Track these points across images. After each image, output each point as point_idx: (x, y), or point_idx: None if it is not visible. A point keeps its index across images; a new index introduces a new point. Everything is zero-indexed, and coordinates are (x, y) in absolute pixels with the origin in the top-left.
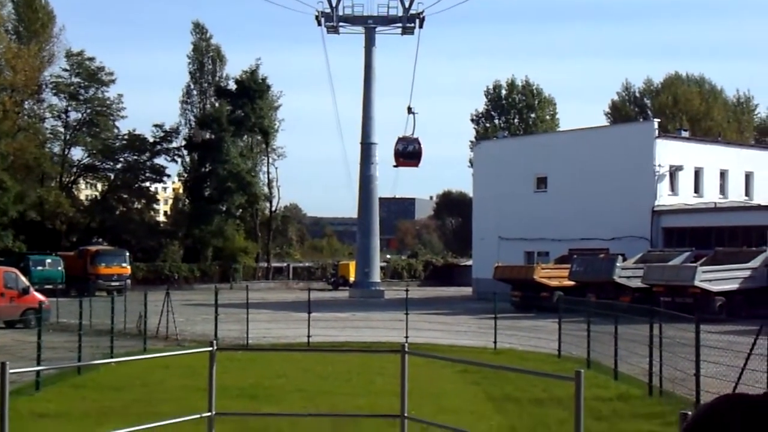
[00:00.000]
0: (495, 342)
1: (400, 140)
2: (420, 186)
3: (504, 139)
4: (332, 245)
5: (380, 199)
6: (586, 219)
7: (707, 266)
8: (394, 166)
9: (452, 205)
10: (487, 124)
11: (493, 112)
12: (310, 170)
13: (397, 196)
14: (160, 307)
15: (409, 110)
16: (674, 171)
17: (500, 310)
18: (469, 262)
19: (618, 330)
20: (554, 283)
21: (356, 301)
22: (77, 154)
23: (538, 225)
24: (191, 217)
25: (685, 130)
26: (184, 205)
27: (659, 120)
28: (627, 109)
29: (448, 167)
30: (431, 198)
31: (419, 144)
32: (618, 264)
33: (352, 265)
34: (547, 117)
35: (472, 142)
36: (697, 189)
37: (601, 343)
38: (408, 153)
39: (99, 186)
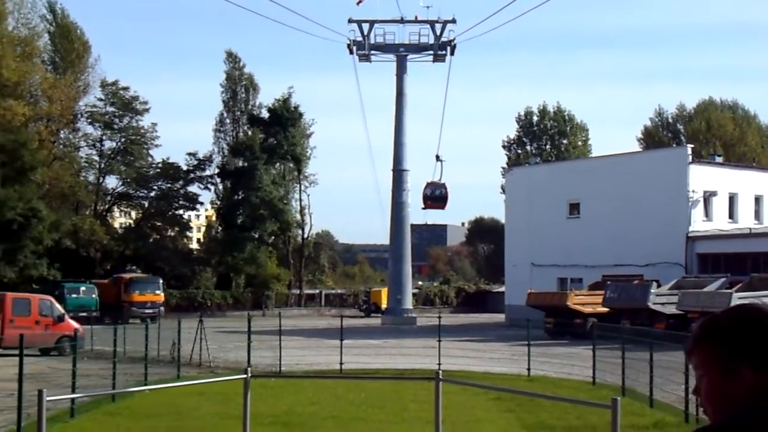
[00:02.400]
0: (528, 369)
1: (429, 185)
2: (452, 212)
3: (536, 165)
4: (364, 272)
5: (412, 225)
6: (620, 245)
7: (743, 292)
8: (423, 209)
9: (484, 232)
10: (519, 151)
11: (524, 139)
12: (341, 197)
13: (428, 223)
14: (194, 334)
15: (437, 158)
16: (708, 197)
17: (533, 337)
18: (502, 289)
19: (653, 357)
20: (588, 309)
21: (388, 327)
22: (112, 182)
23: (571, 251)
24: (224, 244)
25: (719, 156)
26: (216, 233)
27: (692, 146)
28: (660, 135)
29: (480, 193)
30: (463, 224)
31: (446, 189)
32: (652, 290)
33: (384, 292)
34: (579, 143)
35: (504, 168)
36: (731, 215)
37: (636, 370)
38: (435, 197)
39: (133, 214)
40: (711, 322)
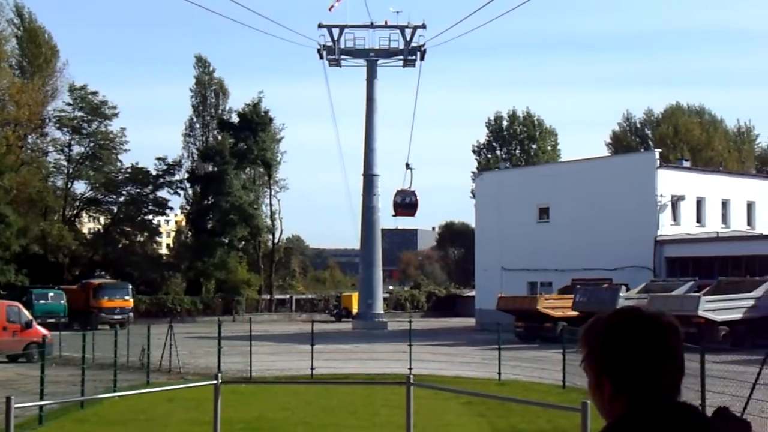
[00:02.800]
0: (499, 373)
1: (399, 192)
2: (422, 217)
3: (506, 169)
4: (335, 277)
5: (382, 230)
6: (589, 249)
7: (711, 296)
8: (393, 215)
9: (455, 236)
10: (489, 155)
11: (494, 143)
12: (312, 202)
13: (399, 228)
14: (163, 340)
15: (407, 166)
16: (676, 201)
17: (504, 341)
18: (472, 293)
19: None
20: (558, 313)
21: (359, 332)
22: (80, 187)
23: (540, 255)
24: (194, 249)
25: (687, 160)
26: (186, 238)
27: (660, 150)
28: (628, 140)
29: (450, 197)
30: (434, 229)
31: (416, 196)
32: (621, 294)
33: (355, 297)
34: (549, 148)
35: (474, 173)
36: (699, 219)
37: None
38: (405, 204)
39: (102, 219)
40: (589, 327)
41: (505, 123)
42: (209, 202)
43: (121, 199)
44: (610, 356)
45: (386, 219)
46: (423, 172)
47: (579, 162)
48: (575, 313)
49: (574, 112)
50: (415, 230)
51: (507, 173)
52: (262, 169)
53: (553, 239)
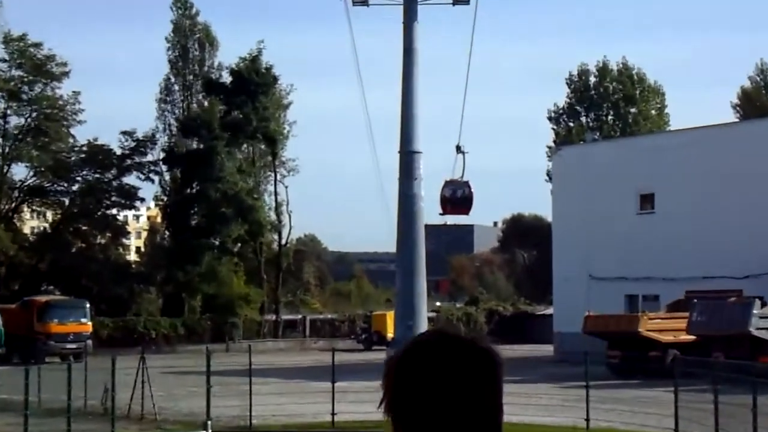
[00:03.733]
0: (587, 419)
1: (448, 184)
2: (480, 210)
3: (594, 142)
4: (363, 290)
5: (427, 226)
6: (710, 250)
7: None
8: (440, 214)
9: (524, 234)
10: (571, 123)
11: (578, 107)
12: (331, 190)
13: (449, 223)
14: (133, 376)
15: (458, 149)
16: None
17: (593, 376)
18: (549, 311)
19: (757, 401)
20: (667, 338)
21: None
22: (20, 172)
23: (643, 259)
24: (173, 254)
25: None
26: (163, 239)
27: None
28: (763, 100)
29: (517, 183)
30: (496, 224)
31: (470, 188)
32: (755, 311)
33: (390, 317)
34: (653, 112)
35: (550, 148)
36: None
37: (733, 418)
38: (457, 199)
39: (49, 215)
40: (387, 360)
41: (592, 80)
42: (193, 191)
43: (75, 187)
44: (396, 398)
45: (432, 213)
46: (480, 149)
47: (695, 131)
48: (691, 337)
49: (687, 64)
50: (471, 227)
51: (596, 147)
52: (263, 146)
53: (661, 237)
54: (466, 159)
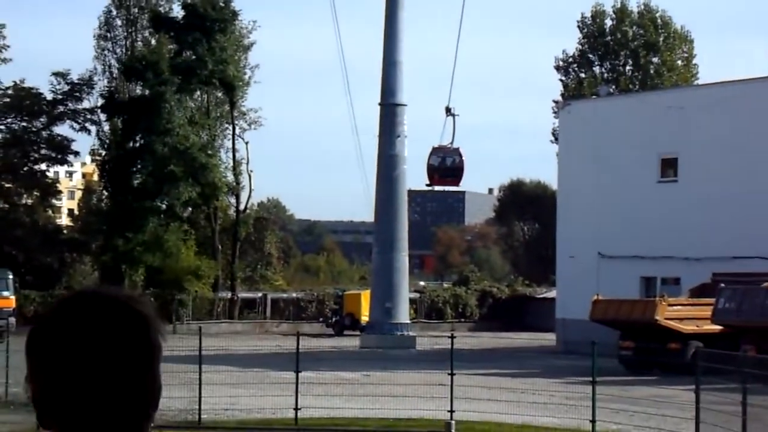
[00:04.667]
0: (593, 421)
1: (435, 151)
2: (474, 175)
3: (609, 97)
4: (334, 265)
5: (411, 192)
6: (742, 226)
7: None
8: (427, 185)
9: (524, 204)
10: (582, 74)
11: (591, 56)
12: (299, 148)
13: (436, 189)
14: None
15: (448, 111)
16: None
17: (602, 371)
18: (552, 294)
19: None
20: (689, 327)
21: (372, 353)
22: None
23: (662, 235)
24: (112, 219)
25: None
26: (100, 201)
27: None
28: None
29: (517, 144)
30: (491, 192)
31: (461, 156)
32: None
33: (366, 297)
34: (679, 62)
35: (557, 103)
36: None
37: (764, 422)
38: (446, 168)
39: None
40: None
41: (608, 23)
42: (136, 145)
43: None
44: (31, 371)
45: (415, 176)
46: (475, 104)
47: (727, 86)
48: (717, 327)
49: (719, 8)
50: (463, 194)
51: (611, 103)
52: (220, 94)
53: (683, 210)
54: (456, 122)
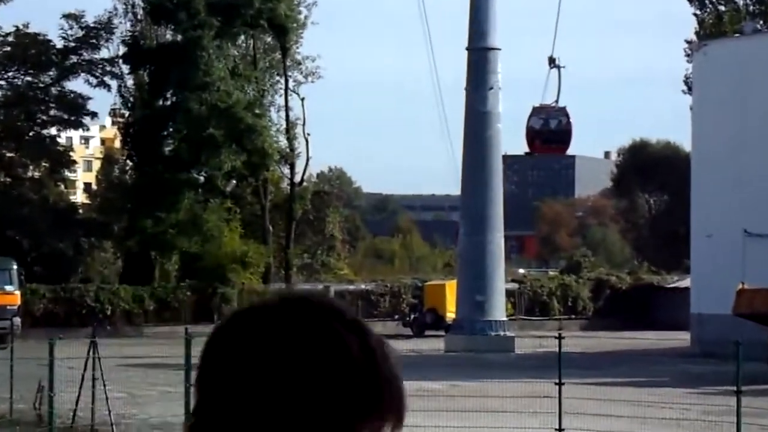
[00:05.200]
0: None
1: (537, 111)
2: (585, 136)
3: (757, 35)
4: (412, 249)
5: (506, 158)
6: None
7: None
8: (527, 154)
9: (650, 171)
10: (722, 6)
11: None
12: (367, 106)
13: (538, 154)
14: (80, 371)
15: (552, 62)
16: None
17: (749, 378)
18: (685, 283)
19: None
20: None
21: (460, 358)
22: None
23: None
24: (138, 195)
25: None
26: (123, 173)
27: None
28: None
29: (641, 97)
30: (608, 156)
31: (567, 117)
32: None
33: (451, 289)
34: None
35: (690, 43)
36: None
37: None
38: (550, 132)
39: None
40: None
41: None
42: (167, 103)
43: None
44: (201, 397)
45: (512, 139)
46: (586, 48)
47: None
48: None
49: None
50: (572, 159)
51: (759, 42)
52: (269, 39)
53: None
54: (562, 75)
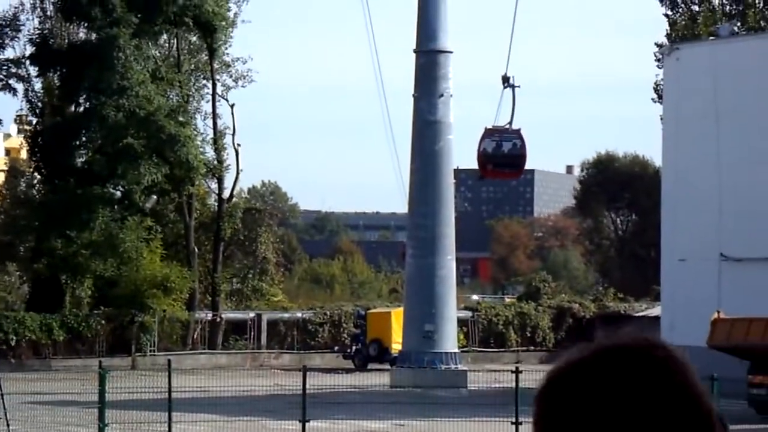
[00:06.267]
0: None
1: (489, 134)
2: (546, 149)
3: (733, 39)
4: (354, 273)
5: (458, 173)
6: None
7: None
8: (480, 178)
9: (616, 187)
10: (696, 6)
11: None
12: (304, 113)
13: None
14: None
15: (506, 81)
16: None
17: (728, 415)
18: (655, 311)
19: None
20: None
21: (407, 394)
22: None
23: None
24: (47, 212)
25: None
26: (30, 187)
27: None
28: None
29: (607, 106)
30: (570, 171)
31: (522, 139)
32: None
33: (397, 317)
34: None
35: (660, 47)
36: None
37: None
38: (503, 156)
39: None
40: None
41: None
42: (80, 109)
43: None
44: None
45: (465, 151)
46: (546, 52)
47: None
48: None
49: None
50: (531, 173)
51: (735, 46)
52: (195, 39)
53: None
54: (516, 95)
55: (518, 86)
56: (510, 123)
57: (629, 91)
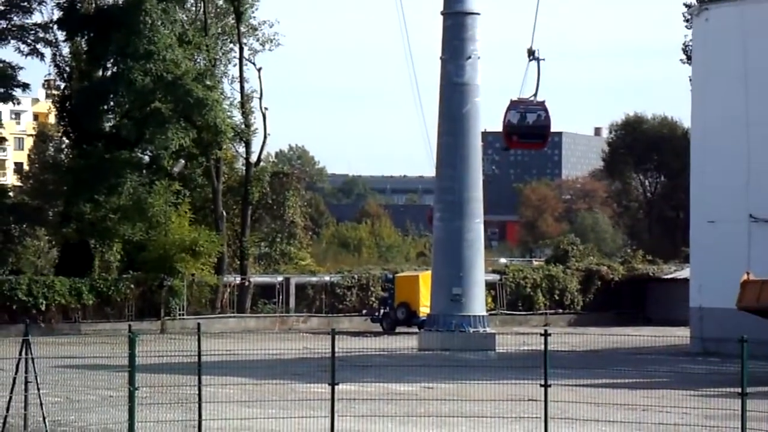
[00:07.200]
0: None
1: (514, 105)
2: (574, 111)
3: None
4: (382, 237)
5: (486, 135)
6: None
7: None
8: (504, 149)
9: (644, 149)
10: None
11: None
12: (331, 77)
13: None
14: (11, 373)
15: (531, 54)
16: None
17: (755, 379)
18: (684, 274)
19: None
20: None
21: (435, 357)
22: None
23: None
24: (76, 176)
25: None
26: (59, 152)
27: None
28: None
29: (635, 68)
30: (598, 133)
31: (546, 111)
32: None
33: (425, 281)
34: None
35: (689, 7)
36: None
37: None
38: (528, 128)
39: None
40: None
41: None
42: (107, 74)
43: None
44: None
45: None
46: (574, 15)
47: None
48: None
49: None
50: (559, 136)
51: (765, 6)
52: (222, 2)
53: None
54: (541, 68)
55: (543, 59)
56: (535, 95)
57: (658, 53)
